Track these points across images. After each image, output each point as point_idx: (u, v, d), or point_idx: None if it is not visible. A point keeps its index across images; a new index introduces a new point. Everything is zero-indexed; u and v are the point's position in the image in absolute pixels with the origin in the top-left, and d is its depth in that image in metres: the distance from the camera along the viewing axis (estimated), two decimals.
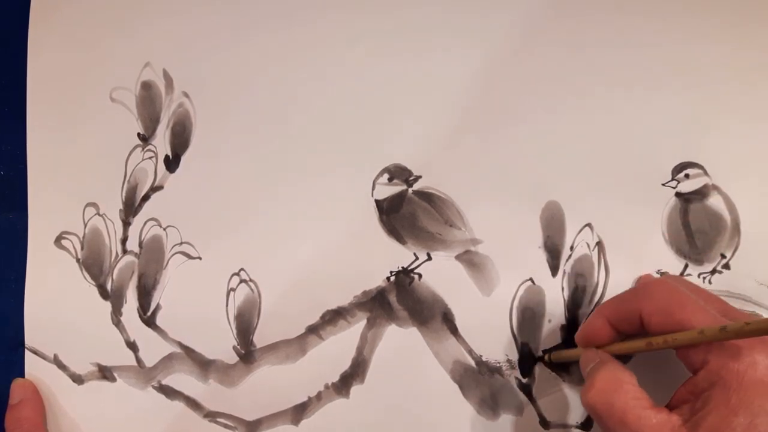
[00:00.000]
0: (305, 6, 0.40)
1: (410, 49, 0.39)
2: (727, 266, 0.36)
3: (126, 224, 0.41)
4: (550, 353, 0.37)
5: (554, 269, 0.37)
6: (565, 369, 0.37)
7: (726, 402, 0.26)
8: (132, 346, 0.40)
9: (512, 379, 0.37)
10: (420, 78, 0.39)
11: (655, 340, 0.29)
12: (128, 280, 0.40)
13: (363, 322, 0.38)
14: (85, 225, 0.41)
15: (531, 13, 0.39)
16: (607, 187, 0.37)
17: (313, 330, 0.38)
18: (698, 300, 0.29)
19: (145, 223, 0.41)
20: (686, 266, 0.36)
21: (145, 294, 0.40)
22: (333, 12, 0.40)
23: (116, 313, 0.40)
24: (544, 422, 0.37)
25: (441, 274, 0.38)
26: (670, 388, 0.30)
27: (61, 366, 0.40)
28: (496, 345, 0.37)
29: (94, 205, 0.41)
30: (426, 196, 0.38)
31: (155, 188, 0.41)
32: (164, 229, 0.40)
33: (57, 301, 0.41)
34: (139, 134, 0.41)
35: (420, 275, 0.38)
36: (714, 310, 0.29)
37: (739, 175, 0.37)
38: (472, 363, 0.37)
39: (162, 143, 0.41)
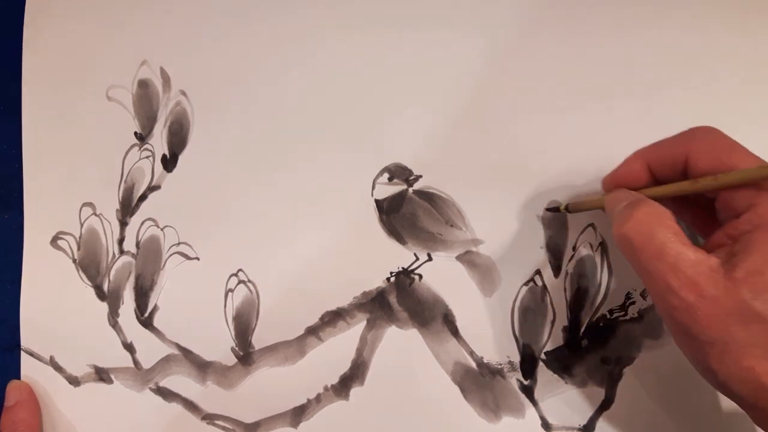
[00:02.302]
0: (304, 5, 0.40)
1: (411, 48, 0.39)
2: None
3: (123, 224, 0.41)
4: (567, 204, 0.35)
5: (556, 270, 0.37)
6: (568, 371, 0.36)
7: None
8: (129, 347, 0.40)
9: (514, 381, 0.37)
10: (420, 77, 0.39)
11: (703, 179, 0.28)
12: (125, 281, 0.40)
13: (363, 324, 0.38)
14: (82, 225, 0.41)
15: (532, 13, 0.38)
16: None
17: (313, 331, 0.38)
18: (746, 149, 0.28)
19: (142, 223, 0.40)
20: None
21: (142, 295, 0.40)
22: (333, 11, 0.40)
23: (113, 314, 0.40)
24: (546, 425, 0.36)
25: (442, 275, 0.38)
26: None
27: (58, 368, 0.40)
28: (498, 346, 0.37)
29: (90, 205, 0.41)
30: (426, 196, 0.38)
31: (152, 188, 0.41)
32: (162, 230, 0.40)
33: (53, 302, 0.41)
34: (136, 133, 0.41)
35: (420, 276, 0.38)
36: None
37: None
38: (473, 365, 0.37)
39: (159, 142, 0.41)
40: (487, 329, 0.37)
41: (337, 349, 0.38)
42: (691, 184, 0.29)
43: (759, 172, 0.26)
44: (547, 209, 0.37)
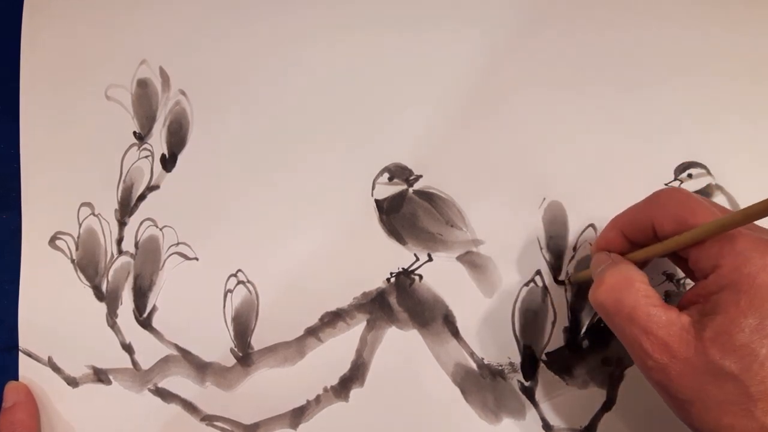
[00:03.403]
0: (304, 5, 0.40)
1: (411, 48, 0.39)
2: None
3: (122, 224, 0.40)
4: (569, 276, 0.36)
5: (557, 270, 0.37)
6: (569, 372, 0.36)
7: (736, 303, 0.26)
8: (127, 348, 0.40)
9: (514, 382, 0.37)
10: (420, 77, 0.39)
11: (668, 240, 0.29)
12: (124, 282, 0.40)
13: (363, 324, 0.38)
14: (80, 225, 0.41)
15: (532, 13, 0.38)
16: (609, 187, 0.37)
17: (312, 332, 0.38)
18: (710, 206, 0.29)
19: (141, 224, 0.40)
20: None
21: (141, 295, 0.40)
22: (333, 11, 0.40)
23: (111, 314, 0.40)
24: (546, 426, 0.36)
25: (442, 276, 0.38)
26: None
27: (56, 368, 0.40)
28: (498, 347, 0.37)
29: (89, 204, 0.41)
30: (427, 196, 0.38)
31: (151, 188, 0.40)
32: (160, 230, 0.40)
33: (51, 302, 0.40)
34: (135, 133, 0.41)
35: (420, 276, 0.38)
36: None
37: (743, 175, 0.37)
38: (474, 366, 0.37)
39: (158, 142, 0.41)
40: (487, 330, 0.37)
41: (337, 350, 0.38)
42: (660, 247, 0.29)
43: (713, 226, 0.27)
44: (557, 281, 0.37)
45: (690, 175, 0.37)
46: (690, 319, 0.27)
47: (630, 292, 0.28)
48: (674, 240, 0.28)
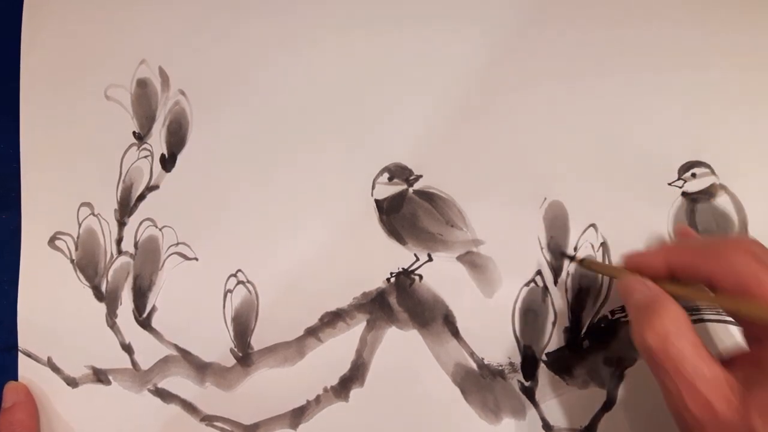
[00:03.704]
0: (304, 5, 0.40)
1: (411, 48, 0.39)
2: None
3: (121, 224, 0.40)
4: (583, 259, 0.36)
5: (557, 270, 0.37)
6: (569, 372, 0.36)
7: None
8: (127, 348, 0.40)
9: (514, 383, 0.37)
10: (420, 77, 0.39)
11: (723, 298, 0.28)
12: (123, 282, 0.40)
13: (362, 325, 0.38)
14: (80, 225, 0.41)
15: (532, 11, 0.38)
16: (611, 186, 0.37)
17: (312, 332, 0.38)
18: None
19: (140, 224, 0.40)
20: None
21: (140, 295, 0.40)
22: (332, 12, 0.40)
23: (111, 315, 0.40)
24: (547, 426, 0.36)
25: (442, 276, 0.37)
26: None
27: (55, 369, 0.40)
28: (498, 348, 0.37)
29: (88, 204, 0.41)
30: (427, 196, 0.38)
31: (151, 188, 0.40)
32: (160, 230, 0.40)
33: (51, 302, 0.40)
34: (134, 133, 0.41)
35: (421, 276, 0.38)
36: None
37: (747, 175, 0.36)
38: (474, 366, 0.37)
39: (158, 142, 0.41)
40: (487, 330, 0.37)
41: (337, 350, 0.38)
42: (711, 298, 0.28)
43: None
44: (562, 254, 0.36)
45: (694, 175, 0.36)
46: (736, 381, 0.26)
47: (679, 340, 0.27)
48: (732, 302, 0.27)
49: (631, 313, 0.29)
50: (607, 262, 0.36)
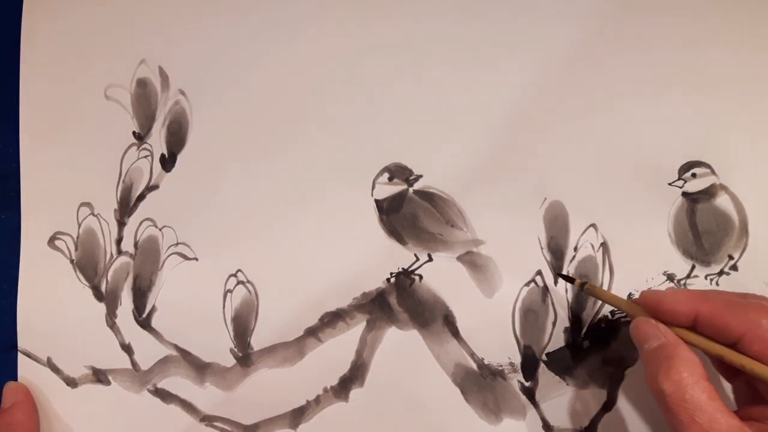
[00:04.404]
0: (304, 5, 0.40)
1: (411, 47, 0.39)
2: (734, 267, 0.36)
3: (121, 224, 0.40)
4: (583, 283, 0.35)
5: (558, 270, 0.37)
6: (569, 372, 0.36)
7: None
8: (127, 348, 0.40)
9: (515, 383, 0.37)
10: (420, 77, 0.39)
11: (751, 363, 0.28)
12: (123, 282, 0.40)
13: (362, 325, 0.38)
14: (79, 225, 0.41)
15: (535, 13, 0.38)
16: (611, 186, 0.37)
17: (312, 332, 0.38)
18: None
19: (140, 224, 0.40)
20: (693, 267, 0.36)
21: (140, 295, 0.40)
22: (332, 11, 0.40)
23: (111, 315, 0.40)
24: (547, 426, 0.36)
25: (442, 276, 0.37)
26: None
27: (55, 369, 0.40)
28: (499, 348, 0.37)
29: (88, 204, 0.41)
30: (427, 196, 0.38)
31: (151, 188, 0.40)
32: (160, 230, 0.40)
33: (50, 302, 0.40)
34: (134, 132, 0.41)
35: (421, 276, 0.38)
36: None
37: (748, 175, 0.36)
38: (474, 366, 0.37)
39: (158, 142, 0.41)
40: (487, 330, 0.37)
41: (337, 351, 0.38)
42: (736, 357, 0.28)
43: None
44: (560, 275, 0.36)
45: (694, 175, 0.36)
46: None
47: (696, 391, 0.27)
48: (761, 369, 0.27)
49: (645, 357, 0.29)
50: (607, 262, 0.36)
